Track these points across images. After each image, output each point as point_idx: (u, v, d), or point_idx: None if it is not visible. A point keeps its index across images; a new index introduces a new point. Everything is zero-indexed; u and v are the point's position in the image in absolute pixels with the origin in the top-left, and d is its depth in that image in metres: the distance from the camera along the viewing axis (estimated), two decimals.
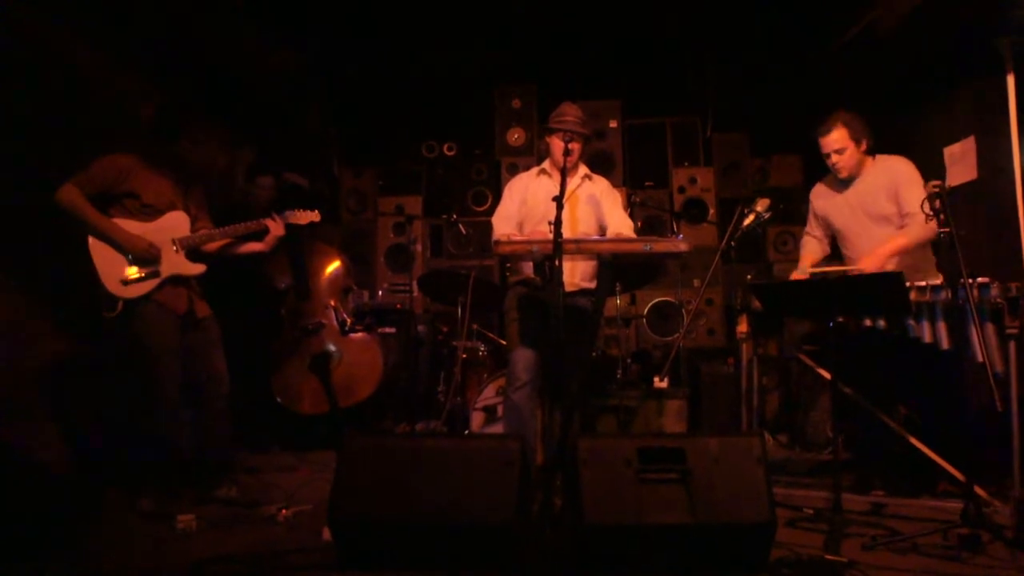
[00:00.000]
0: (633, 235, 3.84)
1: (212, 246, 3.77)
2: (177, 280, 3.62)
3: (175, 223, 3.65)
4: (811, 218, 4.05)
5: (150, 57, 4.74)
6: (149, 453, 3.55)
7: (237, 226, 3.78)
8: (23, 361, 3.91)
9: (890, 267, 3.46)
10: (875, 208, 3.69)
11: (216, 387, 3.69)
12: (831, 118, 3.71)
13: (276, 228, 3.85)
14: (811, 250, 4.03)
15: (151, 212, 3.59)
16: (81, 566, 2.72)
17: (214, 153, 3.81)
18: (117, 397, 4.32)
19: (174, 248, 3.61)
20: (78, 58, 4.32)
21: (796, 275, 3.77)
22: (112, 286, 3.46)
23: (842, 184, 3.82)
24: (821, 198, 3.96)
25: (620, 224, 3.80)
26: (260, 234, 3.86)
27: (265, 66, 5.61)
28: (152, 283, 3.53)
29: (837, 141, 3.70)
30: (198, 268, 3.69)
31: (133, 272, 3.49)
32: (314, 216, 3.96)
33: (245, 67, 5.34)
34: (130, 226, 3.52)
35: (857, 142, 3.70)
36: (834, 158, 3.73)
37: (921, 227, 3.43)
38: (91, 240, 3.47)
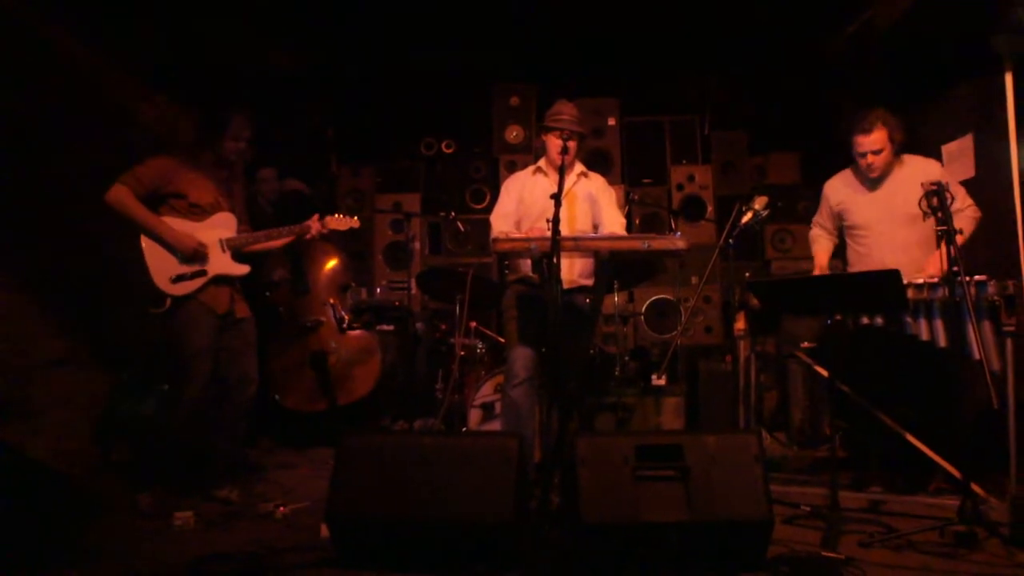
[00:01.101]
0: (625, 233, 3.84)
1: (256, 247, 3.80)
2: (222, 280, 3.65)
3: (223, 223, 3.69)
4: (823, 211, 4.02)
5: (148, 56, 4.74)
6: (155, 450, 3.56)
7: (282, 229, 3.82)
8: (23, 358, 3.92)
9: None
10: (905, 208, 3.59)
11: (245, 388, 3.71)
12: (872, 117, 3.66)
13: (318, 231, 3.86)
14: (824, 247, 4.02)
15: (199, 212, 3.63)
16: (79, 563, 2.72)
17: (249, 150, 3.80)
18: (119, 395, 4.34)
19: (221, 248, 3.65)
20: (77, 57, 4.32)
21: (817, 273, 3.75)
22: (162, 283, 3.50)
23: (870, 182, 3.80)
24: (840, 192, 3.92)
25: (613, 222, 3.81)
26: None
27: (263, 64, 5.60)
28: (199, 282, 3.57)
29: (877, 142, 3.67)
30: (243, 269, 3.73)
31: (181, 270, 3.53)
32: (354, 223, 3.95)
33: (243, 65, 5.34)
34: (180, 225, 3.57)
35: (893, 143, 3.69)
36: (870, 158, 3.69)
37: (971, 220, 3.62)
38: (143, 238, 3.51)
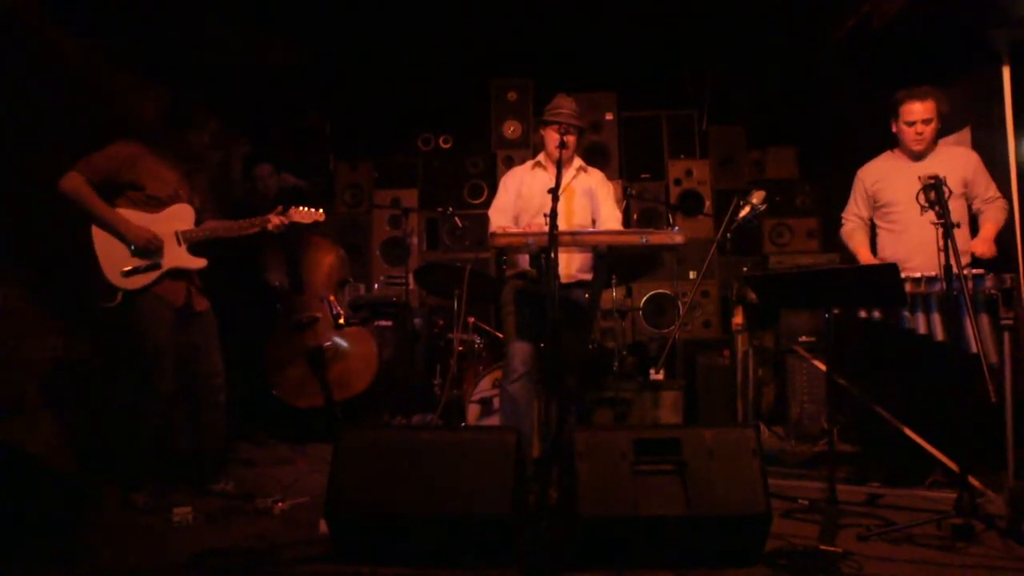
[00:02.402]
0: (620, 229, 3.84)
1: (215, 238, 3.72)
2: (177, 273, 3.59)
3: (179, 215, 3.63)
4: (858, 199, 3.97)
5: (146, 51, 4.72)
6: (142, 447, 3.55)
7: (242, 222, 3.74)
8: (19, 355, 3.91)
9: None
10: (950, 180, 3.60)
11: (212, 381, 3.67)
12: (922, 88, 3.72)
13: (278, 226, 3.78)
14: (862, 239, 3.96)
15: (155, 203, 3.56)
16: (76, 560, 2.72)
17: (217, 143, 3.75)
18: (112, 391, 4.33)
19: (177, 241, 3.59)
20: (75, 52, 4.30)
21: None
22: (112, 276, 3.44)
23: (913, 155, 3.79)
24: (877, 171, 3.91)
25: (609, 218, 3.81)
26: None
27: (260, 59, 5.59)
28: (152, 275, 3.51)
29: (929, 110, 3.70)
30: (199, 262, 3.66)
31: (134, 263, 3.47)
32: (319, 216, 3.88)
33: (240, 60, 5.32)
34: (134, 217, 3.51)
35: (940, 116, 3.73)
36: (920, 127, 3.71)
37: (1003, 210, 3.72)
38: (94, 229, 3.45)
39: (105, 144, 3.56)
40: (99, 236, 3.45)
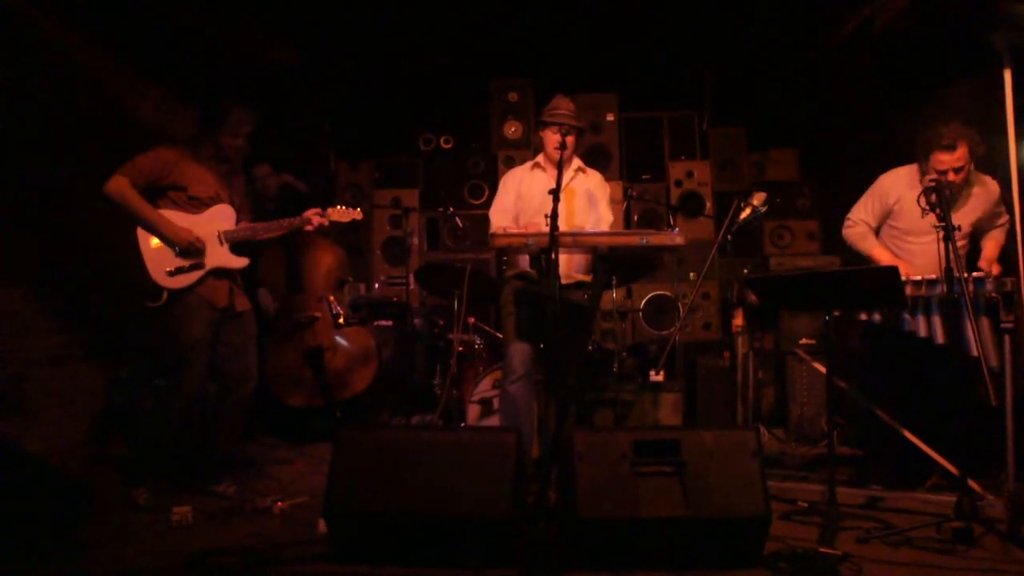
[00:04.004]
0: (612, 230, 3.84)
1: (256, 238, 3.76)
2: (220, 273, 3.63)
3: (221, 216, 3.67)
4: (874, 206, 3.78)
5: (146, 53, 4.72)
6: (152, 444, 3.55)
7: (281, 221, 3.78)
8: (19, 354, 3.91)
9: None
10: (962, 221, 3.48)
11: (245, 382, 3.71)
12: (952, 133, 3.45)
13: (319, 223, 3.82)
14: (876, 242, 3.80)
15: (197, 204, 3.60)
16: (76, 559, 2.72)
17: (248, 145, 3.78)
18: (116, 389, 4.33)
19: (219, 241, 3.63)
20: (77, 55, 4.30)
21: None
22: (158, 277, 3.49)
23: None
24: (901, 191, 3.68)
25: (601, 220, 3.82)
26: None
27: (261, 59, 5.59)
28: (196, 275, 3.55)
29: (961, 159, 3.46)
30: (242, 261, 3.70)
31: (178, 263, 3.52)
32: (356, 214, 3.90)
33: (241, 60, 5.32)
34: (177, 218, 3.55)
35: (974, 157, 3.50)
36: (951, 176, 3.46)
37: (1006, 226, 3.73)
38: (139, 231, 3.50)
39: (109, 145, 3.59)
40: (144, 238, 3.50)
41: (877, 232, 3.86)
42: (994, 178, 3.77)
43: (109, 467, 3.91)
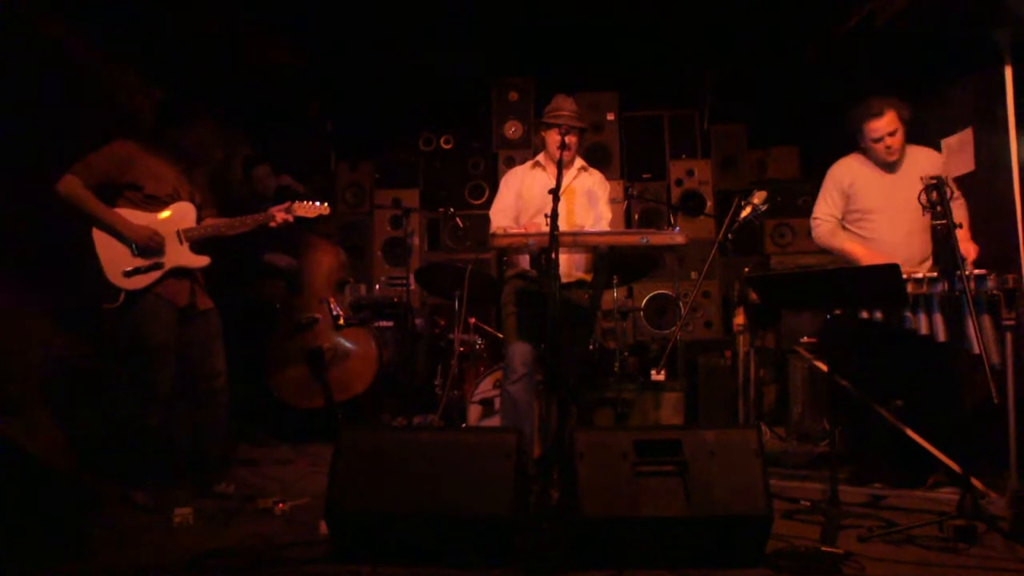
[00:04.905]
0: (609, 229, 3.83)
1: (217, 235, 3.69)
2: (180, 272, 3.57)
3: (181, 214, 3.60)
4: (832, 197, 3.84)
5: (146, 51, 4.72)
6: (142, 446, 3.54)
7: (245, 218, 3.70)
8: (19, 355, 3.91)
9: None
10: (911, 196, 3.41)
11: (214, 382, 3.65)
12: (878, 102, 3.66)
13: (283, 219, 3.74)
14: (848, 237, 3.83)
15: (155, 203, 3.54)
16: (77, 561, 2.72)
17: (210, 140, 3.72)
18: (113, 390, 4.32)
19: (179, 240, 3.57)
20: (76, 53, 4.30)
21: (867, 261, 3.64)
22: (114, 277, 3.42)
23: (886, 166, 3.75)
24: (853, 172, 3.81)
25: (599, 219, 3.81)
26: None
27: (261, 60, 5.59)
28: (155, 275, 3.48)
29: (891, 123, 3.65)
30: (202, 260, 3.63)
31: (135, 263, 3.45)
32: (323, 209, 3.83)
33: (241, 60, 5.32)
34: (135, 217, 3.48)
35: (904, 123, 3.68)
36: (887, 140, 3.66)
37: (965, 207, 3.73)
38: (95, 231, 3.42)
39: (104, 144, 3.55)
40: (100, 237, 3.43)
41: (844, 226, 3.88)
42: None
43: (109, 469, 3.91)
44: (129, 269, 3.44)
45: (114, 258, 3.43)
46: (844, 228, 3.87)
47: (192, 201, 3.66)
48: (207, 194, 3.83)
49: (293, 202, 3.78)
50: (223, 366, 3.70)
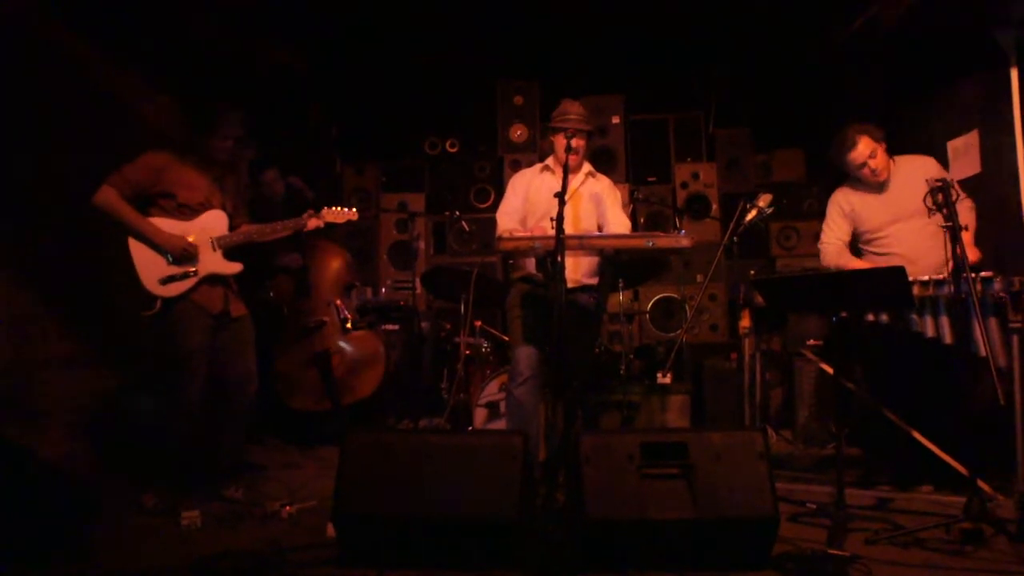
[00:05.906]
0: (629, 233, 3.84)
1: (250, 243, 3.76)
2: (214, 279, 3.62)
3: (213, 222, 3.66)
4: (836, 222, 3.89)
5: (151, 55, 4.75)
6: (159, 451, 3.56)
7: (275, 224, 3.78)
8: (28, 359, 3.93)
9: None
10: (914, 204, 3.50)
11: (244, 387, 3.69)
12: (847, 133, 3.72)
13: (315, 225, 3.83)
14: (852, 257, 3.88)
15: (187, 211, 3.59)
16: (85, 564, 2.73)
17: (243, 148, 3.77)
18: (135, 395, 4.34)
19: (212, 247, 3.62)
20: (80, 55, 4.32)
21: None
22: (150, 285, 3.48)
23: (876, 187, 3.77)
24: (851, 199, 3.85)
25: (616, 223, 3.80)
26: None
27: (267, 63, 5.61)
28: (190, 282, 3.54)
29: (866, 148, 3.69)
30: (235, 267, 3.69)
31: (170, 271, 3.51)
32: (352, 215, 3.91)
33: (246, 64, 5.35)
34: (168, 226, 3.54)
35: (880, 143, 3.71)
36: (871, 164, 3.70)
37: (972, 210, 3.70)
38: (130, 240, 3.49)
39: (114, 149, 3.59)
40: (135, 246, 3.50)
41: (857, 253, 3.91)
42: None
43: (119, 472, 3.93)
44: (164, 277, 3.51)
45: (150, 266, 3.50)
46: (863, 251, 3.89)
47: (224, 209, 3.72)
48: (239, 201, 3.90)
49: (320, 208, 3.87)
50: (255, 372, 3.75)
